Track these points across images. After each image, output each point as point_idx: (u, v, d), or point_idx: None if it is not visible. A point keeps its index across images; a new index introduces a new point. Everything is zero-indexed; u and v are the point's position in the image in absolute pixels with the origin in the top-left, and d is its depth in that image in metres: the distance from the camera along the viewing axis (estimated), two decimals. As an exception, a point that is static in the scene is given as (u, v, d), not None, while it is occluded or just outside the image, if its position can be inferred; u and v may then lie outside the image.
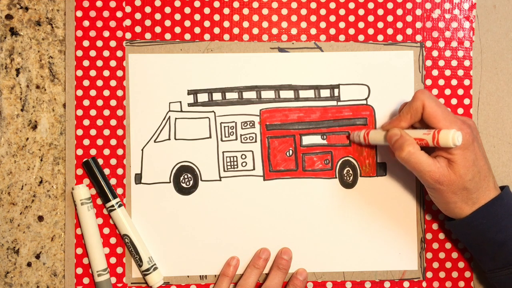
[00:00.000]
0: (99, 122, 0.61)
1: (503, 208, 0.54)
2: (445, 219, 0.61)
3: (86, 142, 0.60)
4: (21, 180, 0.61)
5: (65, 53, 0.61)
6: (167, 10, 0.61)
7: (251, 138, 0.62)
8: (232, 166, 0.61)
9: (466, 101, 0.62)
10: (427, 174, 0.53)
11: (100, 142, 0.61)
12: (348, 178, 0.62)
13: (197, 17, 0.61)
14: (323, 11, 0.62)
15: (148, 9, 0.61)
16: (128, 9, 0.61)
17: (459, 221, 0.56)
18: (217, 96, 0.61)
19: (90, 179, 0.60)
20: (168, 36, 0.61)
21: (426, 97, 0.54)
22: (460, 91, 0.62)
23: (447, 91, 0.62)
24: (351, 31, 0.62)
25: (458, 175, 0.53)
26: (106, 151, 0.61)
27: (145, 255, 0.59)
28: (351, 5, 0.62)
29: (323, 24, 0.62)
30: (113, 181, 0.61)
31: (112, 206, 0.59)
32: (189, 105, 0.61)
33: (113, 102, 0.61)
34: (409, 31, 0.62)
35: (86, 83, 0.61)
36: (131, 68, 0.61)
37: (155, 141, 0.61)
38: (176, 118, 0.61)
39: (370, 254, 0.62)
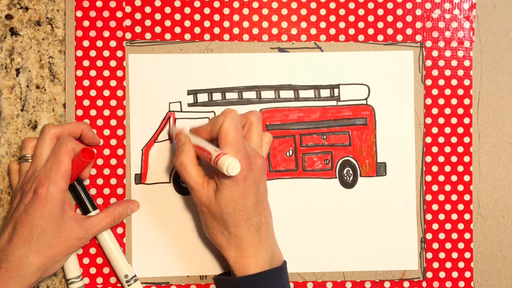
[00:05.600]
0: (99, 122, 0.61)
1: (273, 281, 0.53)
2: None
3: (86, 142, 0.60)
4: (21, 180, 0.61)
5: (65, 53, 0.61)
6: (167, 10, 0.61)
7: (251, 138, 0.62)
8: (232, 166, 0.61)
9: (466, 101, 0.62)
10: (193, 192, 0.54)
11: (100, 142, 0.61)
12: (348, 178, 0.62)
13: (197, 17, 0.61)
14: (323, 11, 0.62)
15: (148, 9, 0.61)
16: (128, 9, 0.61)
17: (227, 280, 0.55)
18: (217, 96, 0.61)
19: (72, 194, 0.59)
20: (168, 36, 0.61)
21: (230, 116, 0.51)
22: (460, 91, 0.62)
23: (447, 91, 0.62)
24: (351, 31, 0.62)
25: (218, 204, 0.52)
26: (106, 151, 0.61)
27: (121, 275, 0.59)
28: (351, 5, 0.62)
29: (323, 24, 0.62)
30: (113, 181, 0.61)
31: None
32: (189, 105, 0.61)
33: (113, 102, 0.61)
34: (409, 31, 0.62)
35: (86, 83, 0.61)
36: (131, 68, 0.61)
37: (155, 141, 0.61)
38: (176, 118, 0.61)
39: (370, 254, 0.62)
